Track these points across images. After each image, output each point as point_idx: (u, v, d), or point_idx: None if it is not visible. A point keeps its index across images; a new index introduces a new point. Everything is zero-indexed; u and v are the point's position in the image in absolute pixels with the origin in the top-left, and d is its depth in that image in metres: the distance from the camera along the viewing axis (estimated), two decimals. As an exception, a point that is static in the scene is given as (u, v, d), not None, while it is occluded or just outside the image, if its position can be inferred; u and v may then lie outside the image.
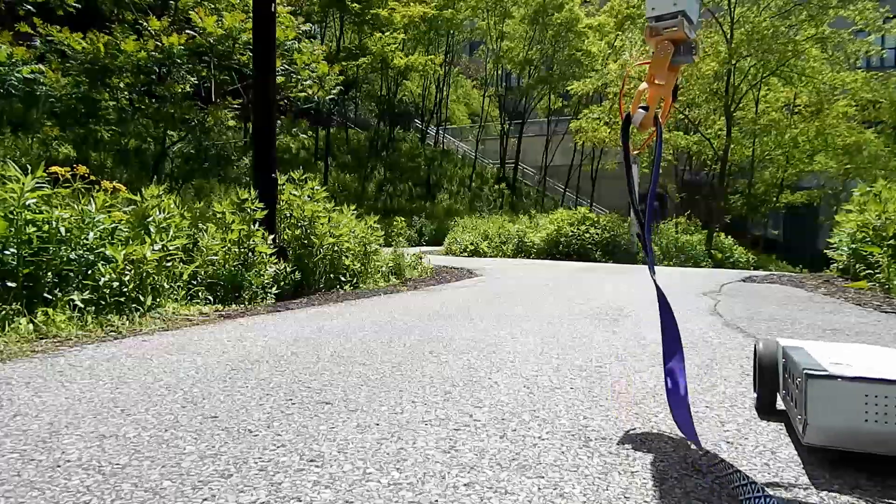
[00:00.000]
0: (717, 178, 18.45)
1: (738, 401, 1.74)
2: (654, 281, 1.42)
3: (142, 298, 3.29)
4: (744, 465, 1.26)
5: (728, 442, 1.39)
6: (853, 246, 6.13)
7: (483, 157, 30.90)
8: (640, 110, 1.40)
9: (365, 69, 21.81)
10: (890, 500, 1.10)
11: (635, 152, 1.47)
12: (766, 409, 1.60)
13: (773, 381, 1.55)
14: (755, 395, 1.64)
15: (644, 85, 1.41)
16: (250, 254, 4.23)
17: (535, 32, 25.53)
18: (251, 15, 5.71)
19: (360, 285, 5.46)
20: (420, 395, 1.76)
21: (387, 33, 21.08)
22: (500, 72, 29.97)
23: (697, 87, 15.50)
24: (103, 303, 3.07)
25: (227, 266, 4.08)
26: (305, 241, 4.99)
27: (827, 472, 1.22)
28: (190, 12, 7.45)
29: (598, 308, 3.91)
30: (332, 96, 8.42)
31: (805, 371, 1.19)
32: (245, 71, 8.27)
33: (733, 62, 14.78)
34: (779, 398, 1.57)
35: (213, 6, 7.93)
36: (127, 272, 3.20)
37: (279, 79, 6.78)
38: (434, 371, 2.06)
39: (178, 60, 7.29)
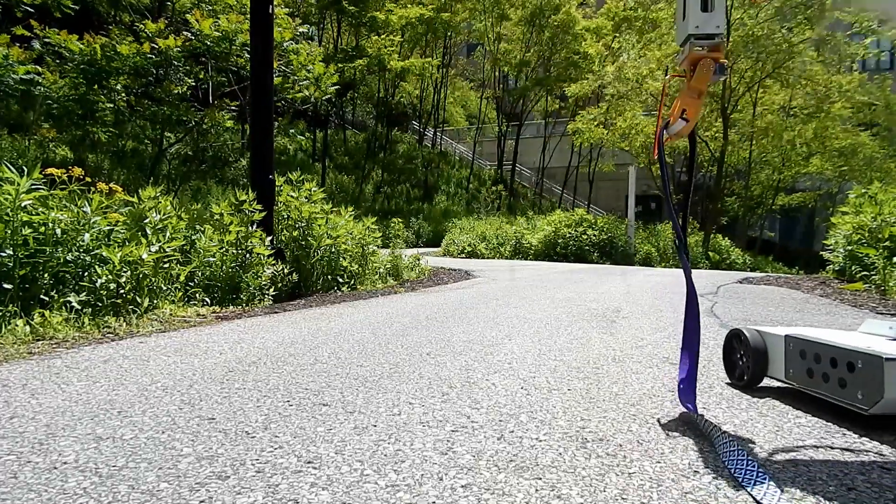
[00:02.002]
0: (713, 180, 18.52)
1: (734, 402, 1.74)
2: (689, 280, 1.62)
3: (139, 300, 3.28)
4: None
5: (725, 443, 1.39)
6: (849, 248, 6.15)
7: (480, 159, 30.95)
8: (681, 120, 1.50)
9: (362, 71, 21.83)
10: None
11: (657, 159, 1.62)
12: (753, 382, 1.88)
13: (763, 364, 1.82)
14: (728, 376, 2.00)
15: (681, 98, 1.50)
16: (248, 255, 4.23)
17: (532, 34, 25.59)
18: (248, 16, 5.71)
19: (358, 287, 5.46)
20: (418, 396, 1.76)
21: (383, 36, 21.08)
22: (497, 73, 30.02)
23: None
24: (100, 304, 3.07)
25: (224, 267, 4.08)
26: (303, 243, 4.98)
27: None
28: (186, 15, 7.45)
29: (596, 309, 3.91)
30: (328, 96, 8.42)
31: (885, 357, 1.38)
32: (242, 73, 8.26)
33: (730, 64, 14.84)
34: (766, 378, 1.85)
35: (210, 8, 7.93)
36: (123, 274, 3.20)
37: (276, 80, 6.77)
38: (431, 372, 2.07)
39: (175, 63, 7.28)
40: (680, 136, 1.54)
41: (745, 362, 1.88)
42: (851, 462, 1.28)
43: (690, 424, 1.52)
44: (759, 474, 1.17)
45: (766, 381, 1.89)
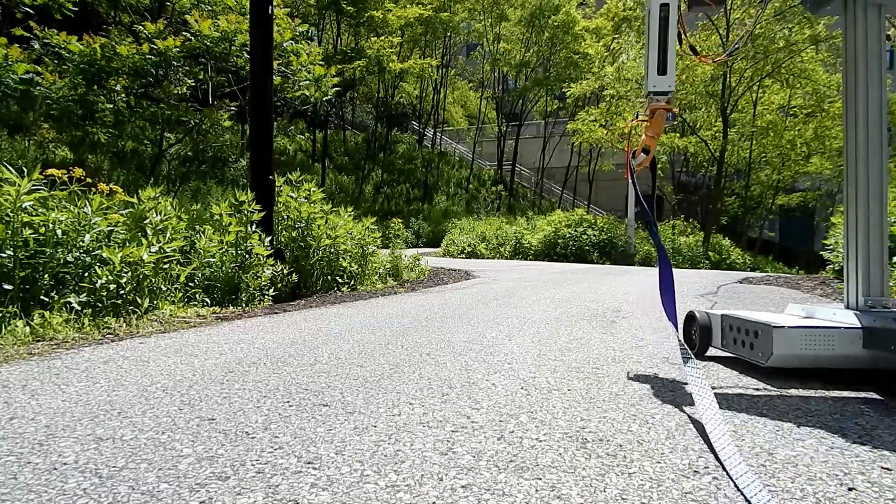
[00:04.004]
0: (713, 180, 18.52)
1: (734, 402, 1.75)
2: (659, 245, 2.15)
3: (139, 300, 3.28)
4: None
5: (725, 443, 1.39)
6: (849, 247, 6.13)
7: (480, 159, 30.94)
8: (643, 153, 2.11)
9: (361, 72, 21.82)
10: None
11: (635, 175, 2.16)
12: (700, 353, 2.42)
13: (708, 337, 2.38)
14: (685, 350, 2.34)
15: (644, 136, 2.09)
16: (247, 256, 4.23)
17: (531, 34, 25.58)
18: (248, 17, 5.71)
19: (358, 287, 5.46)
20: (418, 396, 1.76)
21: (382, 37, 21.06)
22: (496, 74, 30.02)
23: (694, 88, 15.56)
24: (100, 305, 3.07)
25: (224, 268, 4.08)
26: (302, 243, 4.98)
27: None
28: (186, 16, 7.44)
29: (596, 309, 3.91)
30: (328, 97, 8.41)
31: (772, 326, 1.95)
32: (242, 73, 8.25)
33: (729, 64, 14.85)
34: (710, 348, 2.40)
35: (209, 9, 7.92)
36: (124, 274, 3.20)
37: (276, 80, 6.77)
38: (432, 373, 2.07)
39: (175, 63, 7.28)
40: (642, 164, 2.11)
41: (696, 336, 2.43)
42: (852, 462, 1.28)
43: (691, 424, 1.52)
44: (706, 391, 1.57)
45: (710, 352, 2.42)
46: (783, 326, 1.95)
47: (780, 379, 2.06)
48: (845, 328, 1.94)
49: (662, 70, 2.01)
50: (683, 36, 2.14)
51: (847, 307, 2.09)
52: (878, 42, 2.03)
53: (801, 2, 2.32)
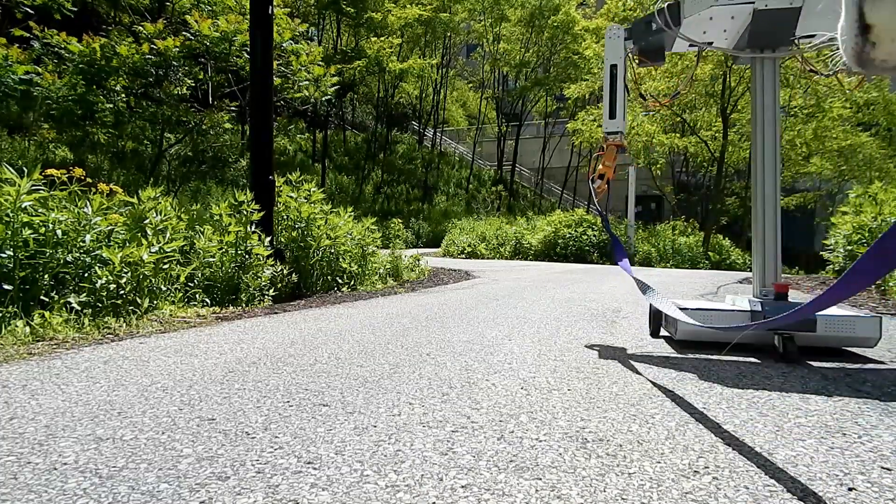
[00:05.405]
0: (713, 180, 18.52)
1: (734, 402, 1.75)
2: (610, 232, 2.82)
3: (139, 301, 3.28)
4: (740, 465, 1.26)
5: (724, 442, 1.39)
6: (849, 247, 6.15)
7: (480, 159, 30.95)
8: (599, 179, 2.66)
9: (361, 72, 21.82)
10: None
11: (597, 200, 2.70)
12: (655, 334, 2.89)
13: (658, 320, 2.86)
14: (650, 330, 2.96)
15: (601, 166, 2.68)
16: (247, 256, 4.23)
17: (531, 35, 25.60)
18: (248, 17, 5.71)
19: (358, 287, 5.46)
20: (418, 396, 1.76)
21: (382, 38, 21.07)
22: (496, 74, 30.04)
23: (694, 89, 15.56)
24: (100, 305, 3.07)
25: (224, 268, 4.08)
26: (302, 244, 4.98)
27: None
28: (185, 16, 7.44)
29: (596, 309, 3.91)
30: (328, 97, 8.40)
31: (678, 307, 2.41)
32: (242, 73, 8.25)
33: (729, 64, 14.86)
34: (662, 329, 2.87)
35: (209, 9, 7.92)
36: (124, 274, 3.20)
37: (276, 80, 6.77)
38: (431, 373, 2.07)
39: (175, 63, 7.27)
40: (601, 188, 2.65)
41: (652, 320, 2.90)
42: (852, 462, 1.28)
43: (692, 424, 1.52)
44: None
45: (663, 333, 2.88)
46: (686, 308, 2.46)
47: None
48: (737, 311, 2.48)
49: (612, 115, 2.59)
50: (634, 86, 2.69)
51: (753, 296, 2.62)
52: (773, 86, 2.60)
53: (730, 54, 2.81)
